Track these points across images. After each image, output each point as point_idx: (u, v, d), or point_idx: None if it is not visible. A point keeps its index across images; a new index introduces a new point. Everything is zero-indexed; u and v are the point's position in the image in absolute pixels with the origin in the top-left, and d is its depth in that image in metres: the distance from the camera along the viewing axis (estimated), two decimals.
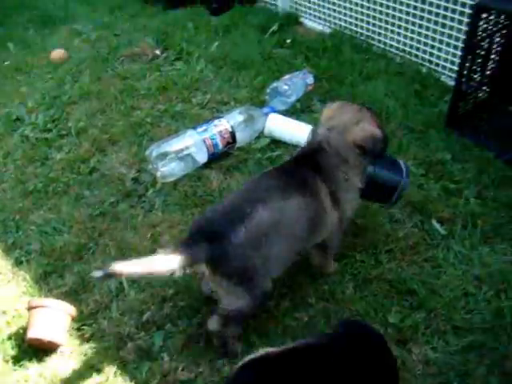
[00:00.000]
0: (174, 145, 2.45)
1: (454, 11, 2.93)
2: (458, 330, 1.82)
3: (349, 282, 1.99)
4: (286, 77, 2.97)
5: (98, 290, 2.07)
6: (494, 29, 2.55)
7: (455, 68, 2.87)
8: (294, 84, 2.89)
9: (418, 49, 3.21)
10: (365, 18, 3.42)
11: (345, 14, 3.59)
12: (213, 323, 1.76)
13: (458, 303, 1.89)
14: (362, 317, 1.87)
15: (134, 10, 4.51)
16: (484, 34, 2.50)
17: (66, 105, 3.21)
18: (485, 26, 2.46)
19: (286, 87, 2.85)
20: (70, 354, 1.90)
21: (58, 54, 3.82)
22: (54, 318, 1.91)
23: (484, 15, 2.41)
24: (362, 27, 3.48)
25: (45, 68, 3.74)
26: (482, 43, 2.54)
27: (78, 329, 1.97)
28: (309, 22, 3.86)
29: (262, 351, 1.45)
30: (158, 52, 3.61)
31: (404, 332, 1.82)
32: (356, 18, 3.49)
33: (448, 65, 3.08)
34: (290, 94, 2.86)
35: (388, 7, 3.25)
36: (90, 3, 4.80)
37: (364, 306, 1.90)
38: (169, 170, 2.43)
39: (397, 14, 3.22)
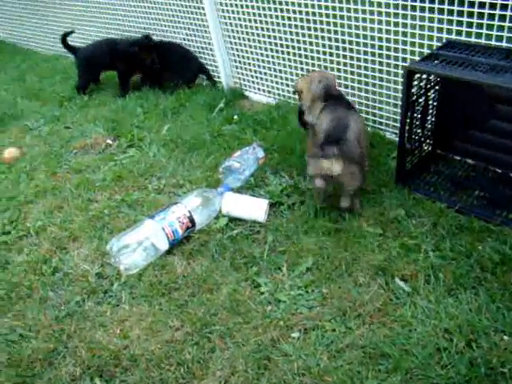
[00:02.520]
0: (134, 236, 2.46)
1: (388, 73, 3.09)
2: None
3: (323, 353, 2.00)
4: (237, 153, 3.04)
5: None
6: (428, 86, 2.69)
7: (397, 124, 2.99)
8: (246, 160, 2.97)
9: (360, 110, 3.34)
10: None
11: (287, 85, 3.74)
12: (345, 202, 2.58)
13: (432, 359, 1.90)
14: None
15: (82, 101, 4.56)
16: (419, 92, 2.64)
17: (23, 204, 3.17)
18: (418, 84, 2.60)
19: (237, 165, 2.92)
20: None
21: (10, 153, 3.80)
22: None
23: (416, 76, 2.55)
24: None
25: None
26: (419, 101, 2.67)
27: None
28: (254, 95, 3.99)
29: None
30: (109, 141, 3.66)
31: None
32: None
33: (391, 122, 3.22)
34: (243, 171, 2.93)
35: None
36: (39, 98, 4.84)
37: (340, 377, 1.90)
38: (132, 261, 2.42)
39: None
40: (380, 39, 3.03)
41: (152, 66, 4.30)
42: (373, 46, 3.08)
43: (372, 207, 2.65)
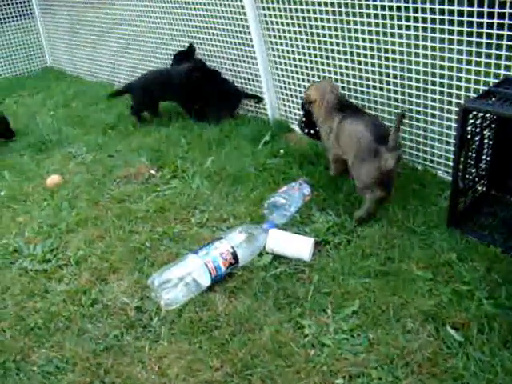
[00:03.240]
0: (176, 271, 2.49)
1: (441, 109, 3.08)
2: None
3: None
4: (283, 189, 3.07)
5: None
6: (484, 124, 2.67)
7: (450, 163, 2.97)
8: (291, 196, 2.99)
9: (410, 147, 3.34)
10: None
11: None
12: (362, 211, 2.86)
13: None
14: None
15: (126, 130, 4.68)
16: (474, 131, 2.62)
17: (64, 233, 3.24)
18: (474, 122, 2.58)
19: (283, 201, 2.95)
20: None
21: (53, 179, 3.91)
22: None
23: (472, 114, 2.53)
24: None
25: (41, 195, 3.81)
26: (474, 139, 2.65)
27: None
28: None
29: None
30: (153, 171, 3.75)
31: None
32: None
33: (443, 160, 3.19)
34: (289, 207, 2.95)
35: None
36: (83, 125, 4.99)
37: None
38: (172, 296, 2.45)
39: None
40: (433, 75, 3.03)
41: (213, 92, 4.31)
42: (425, 81, 3.08)
43: (422, 249, 2.62)
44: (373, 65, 3.33)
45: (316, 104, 3.11)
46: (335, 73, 3.59)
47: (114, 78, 5.99)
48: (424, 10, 2.90)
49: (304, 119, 3.39)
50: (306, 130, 3.43)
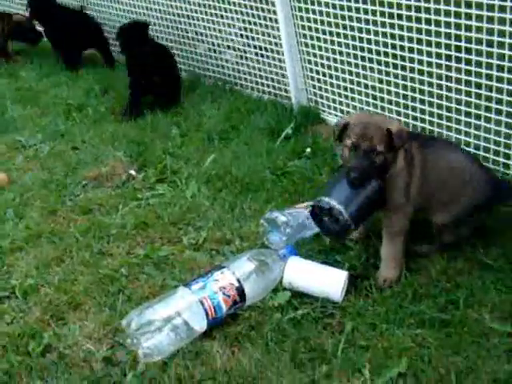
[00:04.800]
0: (161, 310, 2.51)
1: None
2: None
3: None
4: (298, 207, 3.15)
5: None
6: None
7: None
8: (295, 217, 3.08)
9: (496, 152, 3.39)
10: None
11: (382, 108, 3.80)
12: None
13: None
14: None
15: (98, 113, 4.76)
16: None
17: (7, 253, 3.24)
18: None
19: (283, 219, 3.04)
20: None
21: None
22: None
23: None
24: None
25: None
26: None
27: None
28: (334, 120, 4.04)
29: None
30: (133, 172, 3.80)
31: None
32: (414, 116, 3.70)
33: None
34: (290, 229, 3.04)
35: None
36: (37, 104, 5.06)
37: None
38: (155, 344, 2.46)
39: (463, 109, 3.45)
40: None
41: None
42: None
43: (499, 292, 2.64)
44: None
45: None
46: (393, 46, 3.62)
47: None
48: None
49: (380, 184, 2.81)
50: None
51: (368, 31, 3.72)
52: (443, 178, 2.86)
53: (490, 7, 3.01)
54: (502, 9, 2.98)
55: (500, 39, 3.06)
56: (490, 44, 3.12)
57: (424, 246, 2.96)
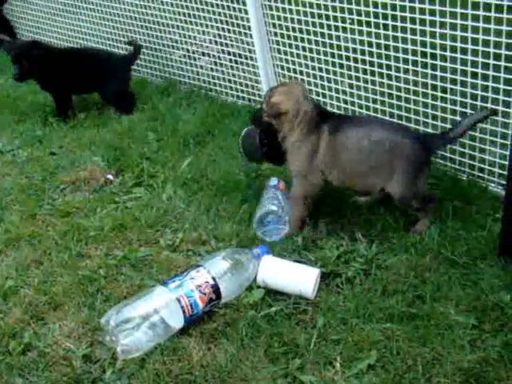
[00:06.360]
0: (139, 308, 2.55)
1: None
2: None
3: None
4: (267, 195, 3.30)
5: None
6: None
7: (505, 172, 3.00)
8: (279, 199, 3.24)
9: (452, 151, 3.46)
10: None
11: (360, 107, 3.87)
12: None
13: None
14: None
15: (75, 118, 4.80)
16: None
17: None
18: None
19: (274, 208, 3.16)
20: None
21: None
22: None
23: None
24: None
25: None
26: None
27: None
28: None
29: None
30: (110, 176, 3.85)
31: None
32: None
33: (496, 169, 3.29)
34: (283, 213, 3.17)
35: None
36: (14, 109, 5.09)
37: None
38: (133, 341, 2.51)
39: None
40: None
41: None
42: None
43: (463, 287, 2.71)
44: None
45: (287, 116, 3.07)
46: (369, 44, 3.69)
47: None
48: None
49: (264, 140, 3.29)
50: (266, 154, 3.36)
51: (338, 38, 3.79)
52: (355, 154, 3.04)
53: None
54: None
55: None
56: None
57: (416, 226, 3.10)
